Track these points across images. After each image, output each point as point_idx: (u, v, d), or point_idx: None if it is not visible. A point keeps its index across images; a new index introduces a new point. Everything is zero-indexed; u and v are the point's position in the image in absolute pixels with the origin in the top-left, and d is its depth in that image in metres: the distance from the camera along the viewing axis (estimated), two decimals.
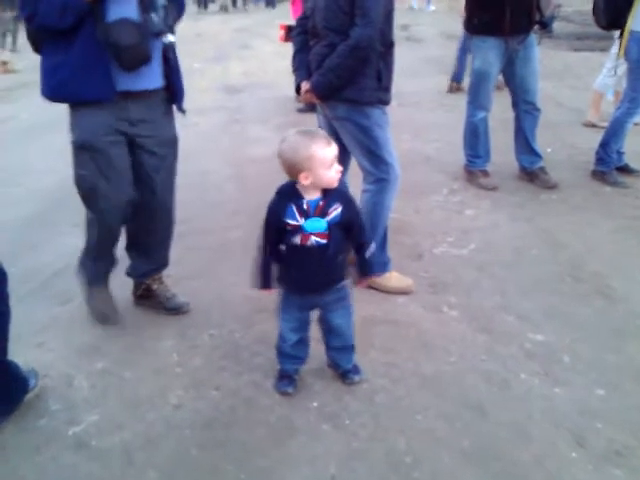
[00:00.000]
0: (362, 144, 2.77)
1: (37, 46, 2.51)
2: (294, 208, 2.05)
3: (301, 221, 2.05)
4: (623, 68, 4.48)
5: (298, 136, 2.05)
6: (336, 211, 2.08)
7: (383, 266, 2.99)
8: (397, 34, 2.84)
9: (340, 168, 2.09)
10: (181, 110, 2.71)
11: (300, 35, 2.94)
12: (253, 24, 14.68)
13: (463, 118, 4.39)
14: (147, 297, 2.92)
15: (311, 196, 2.06)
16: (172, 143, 2.70)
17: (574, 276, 3.14)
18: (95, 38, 2.32)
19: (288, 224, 2.06)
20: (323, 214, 2.07)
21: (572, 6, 9.59)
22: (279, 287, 2.24)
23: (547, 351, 2.56)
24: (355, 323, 2.36)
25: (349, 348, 2.37)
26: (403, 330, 2.72)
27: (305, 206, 2.06)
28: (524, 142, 4.30)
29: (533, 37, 4.05)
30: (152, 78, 2.52)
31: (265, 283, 2.21)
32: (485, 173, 4.39)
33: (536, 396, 2.30)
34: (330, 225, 2.08)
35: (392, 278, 3.01)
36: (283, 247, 2.12)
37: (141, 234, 2.81)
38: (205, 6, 19.05)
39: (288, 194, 2.08)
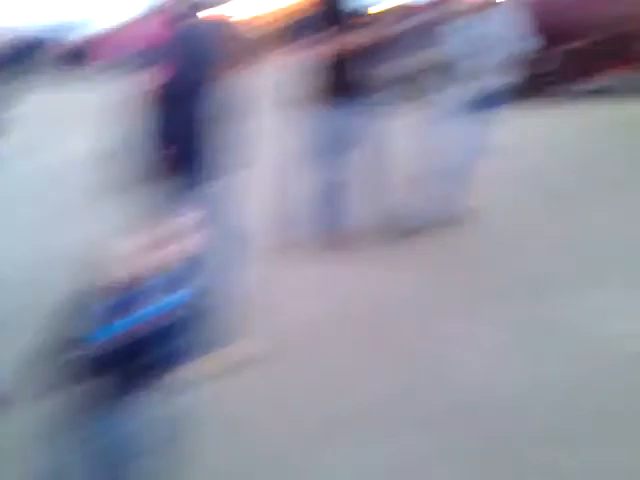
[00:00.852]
0: None
1: None
2: (90, 321, 1.57)
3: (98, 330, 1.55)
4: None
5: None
6: (152, 303, 1.62)
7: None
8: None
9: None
10: None
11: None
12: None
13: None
14: None
15: (110, 298, 1.59)
16: None
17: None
18: None
19: (81, 342, 1.55)
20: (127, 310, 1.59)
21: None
22: None
23: None
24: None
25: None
26: None
27: (105, 310, 1.58)
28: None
29: (364, 107, 3.82)
30: None
31: None
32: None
33: None
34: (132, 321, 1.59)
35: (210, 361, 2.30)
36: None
37: None
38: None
39: (80, 306, 1.59)
